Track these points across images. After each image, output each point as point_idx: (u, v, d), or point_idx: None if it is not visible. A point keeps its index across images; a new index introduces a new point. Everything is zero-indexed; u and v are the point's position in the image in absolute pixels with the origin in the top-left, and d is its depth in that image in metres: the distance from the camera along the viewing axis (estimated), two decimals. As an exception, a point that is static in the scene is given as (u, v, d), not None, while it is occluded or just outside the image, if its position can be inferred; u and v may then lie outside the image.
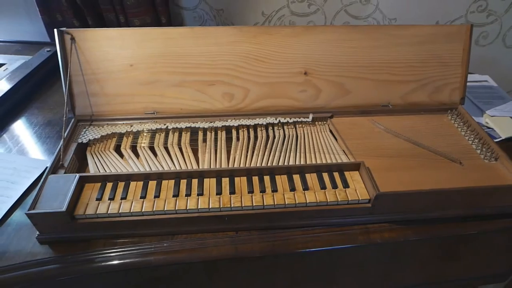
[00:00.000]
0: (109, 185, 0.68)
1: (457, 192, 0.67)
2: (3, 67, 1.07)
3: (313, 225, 0.68)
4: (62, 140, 0.73)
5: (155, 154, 0.76)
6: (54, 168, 0.69)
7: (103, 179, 0.68)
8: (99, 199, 0.65)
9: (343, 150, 0.78)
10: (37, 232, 0.64)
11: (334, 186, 0.69)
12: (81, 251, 0.64)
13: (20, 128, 0.92)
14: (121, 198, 0.65)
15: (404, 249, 0.72)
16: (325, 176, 0.71)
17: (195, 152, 0.77)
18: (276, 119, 0.83)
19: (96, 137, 0.77)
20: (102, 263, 0.63)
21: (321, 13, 1.26)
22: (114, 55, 0.79)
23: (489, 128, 0.92)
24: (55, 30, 0.76)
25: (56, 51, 0.78)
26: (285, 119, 0.84)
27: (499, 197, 0.69)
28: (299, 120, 0.84)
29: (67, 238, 0.64)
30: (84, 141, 0.76)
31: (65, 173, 0.69)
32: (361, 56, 0.84)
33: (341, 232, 0.68)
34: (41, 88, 1.06)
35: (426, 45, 0.86)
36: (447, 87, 0.88)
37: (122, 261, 0.63)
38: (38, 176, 0.76)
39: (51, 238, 0.64)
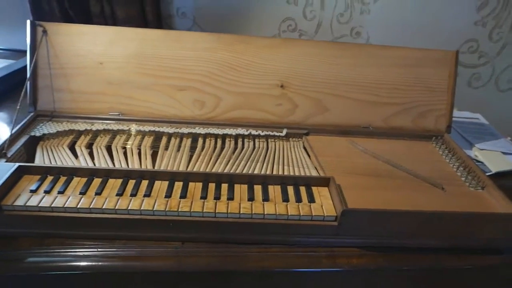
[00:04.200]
0: (49, 179, 0.61)
1: (436, 216, 0.59)
2: (-15, 68, 1.06)
3: (272, 242, 0.60)
4: (10, 130, 0.68)
5: (111, 156, 0.71)
6: (-5, 156, 0.64)
7: (45, 171, 0.62)
8: (33, 191, 0.58)
9: (315, 167, 0.72)
10: (-42, 223, 0.57)
11: (298, 200, 0.61)
12: (3, 248, 0.56)
13: (-15, 124, 0.88)
14: (58, 192, 0.59)
15: (376, 280, 0.62)
16: (290, 189, 0.64)
17: (155, 157, 0.71)
18: (247, 131, 0.78)
19: (52, 131, 0.73)
20: (23, 263, 0.55)
21: (312, 45, 1.27)
22: (85, 51, 0.77)
23: (478, 161, 0.86)
24: (28, 21, 0.75)
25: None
26: (256, 131, 0.79)
27: (485, 228, 0.61)
28: (271, 133, 0.79)
29: (-9, 233, 0.57)
30: (37, 134, 0.72)
31: (6, 162, 0.63)
32: (341, 73, 0.81)
33: (303, 253, 0.60)
34: (19, 90, 1.03)
35: (411, 68, 0.83)
36: (432, 113, 0.84)
37: (46, 264, 0.55)
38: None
39: (-28, 231, 0.57)
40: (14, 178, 0.60)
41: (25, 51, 1.31)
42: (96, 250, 0.57)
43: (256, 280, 0.60)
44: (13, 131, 0.69)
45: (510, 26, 1.16)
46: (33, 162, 0.68)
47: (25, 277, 0.55)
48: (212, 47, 0.79)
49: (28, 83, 0.74)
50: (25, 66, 1.07)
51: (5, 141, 0.66)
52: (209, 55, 0.79)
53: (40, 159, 0.68)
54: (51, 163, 0.67)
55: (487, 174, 0.81)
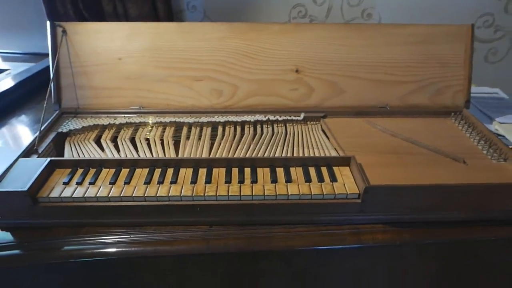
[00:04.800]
0: (80, 171, 0.64)
1: (458, 189, 0.60)
2: (7, 71, 1.10)
3: (297, 222, 0.61)
4: (39, 127, 0.71)
5: (135, 147, 0.73)
6: (27, 152, 0.67)
7: (75, 164, 0.65)
8: (66, 183, 0.61)
9: (335, 148, 0.72)
10: (-2, 216, 0.60)
11: (321, 179, 0.63)
12: (40, 238, 0.59)
13: (10, 124, 0.91)
14: (89, 183, 0.61)
15: (401, 255, 0.63)
16: (312, 170, 0.65)
17: (177, 146, 0.74)
18: (265, 117, 0.80)
19: (77, 127, 0.75)
20: (59, 252, 0.57)
21: (323, 30, 1.26)
22: (103, 49, 0.79)
23: (499, 135, 0.85)
24: (48, 22, 0.77)
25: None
26: (274, 117, 0.80)
27: (509, 198, 0.61)
28: (289, 118, 0.80)
29: (29, 224, 0.60)
30: (64, 130, 0.74)
31: (37, 157, 0.66)
32: (354, 54, 0.81)
33: (328, 231, 0.61)
34: (41, 91, 1.07)
35: (424, 45, 0.82)
36: (449, 89, 0.83)
37: (81, 252, 0.58)
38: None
39: (12, 224, 0.60)
40: (47, 172, 0.63)
41: (41, 54, 1.36)
42: (128, 236, 0.59)
43: (282, 260, 0.61)
44: (42, 128, 0.71)
45: (526, -3, 1.14)
46: (62, 157, 0.71)
47: (62, 264, 0.58)
48: (225, 36, 0.80)
49: (52, 83, 0.76)
50: (45, 68, 1.12)
51: (35, 138, 0.69)
52: (223, 45, 0.80)
53: (69, 154, 0.70)
54: (79, 156, 0.69)
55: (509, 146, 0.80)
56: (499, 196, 0.60)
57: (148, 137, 0.75)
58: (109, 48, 0.79)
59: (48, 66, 1.15)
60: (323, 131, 0.79)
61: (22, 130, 0.89)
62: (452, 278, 0.68)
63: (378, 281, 0.67)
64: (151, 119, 0.78)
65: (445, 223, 0.62)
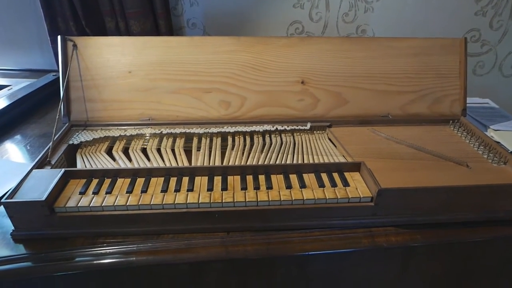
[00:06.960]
0: (95, 181, 0.64)
1: (467, 190, 0.62)
2: (8, 87, 1.10)
3: (312, 226, 0.63)
4: (52, 139, 0.71)
5: (147, 158, 0.74)
6: (40, 164, 0.67)
7: (90, 175, 0.65)
8: (82, 193, 0.61)
9: (343, 155, 0.75)
10: (12, 228, 0.59)
11: (334, 185, 0.65)
12: (57, 248, 0.58)
13: (15, 139, 0.91)
14: (106, 193, 0.62)
15: (414, 256, 0.65)
16: (324, 176, 0.67)
17: (188, 156, 0.75)
18: (273, 127, 0.82)
19: (88, 139, 0.76)
20: (77, 263, 0.57)
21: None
22: (114, 62, 0.81)
23: (495, 142, 0.89)
24: (59, 36, 0.79)
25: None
26: (282, 126, 0.82)
27: (512, 198, 0.64)
28: (296, 128, 0.82)
29: (44, 235, 0.59)
30: (75, 142, 0.75)
31: (51, 168, 0.66)
32: (357, 66, 0.85)
33: (343, 235, 0.62)
34: (43, 107, 1.07)
35: (421, 56, 0.86)
36: (446, 98, 0.87)
37: (99, 261, 0.57)
38: (24, 178, 0.73)
39: (26, 236, 0.59)
40: (62, 183, 0.63)
41: (40, 70, 1.37)
42: (146, 244, 0.59)
43: (300, 263, 0.62)
44: (53, 139, 0.72)
45: (509, 14, 1.21)
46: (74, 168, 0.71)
47: (79, 274, 0.58)
48: (233, 49, 0.83)
49: (62, 93, 0.77)
50: (47, 84, 1.12)
51: (47, 149, 0.69)
52: (231, 57, 0.83)
53: (82, 165, 0.70)
54: (92, 167, 0.70)
55: (505, 152, 0.84)
56: (503, 196, 0.63)
57: (159, 147, 0.76)
58: (120, 62, 0.81)
59: (49, 82, 1.17)
60: (329, 139, 0.81)
61: (27, 144, 0.88)
62: (460, 276, 0.70)
63: (390, 281, 0.68)
64: (161, 130, 0.79)
65: (453, 224, 0.65)
